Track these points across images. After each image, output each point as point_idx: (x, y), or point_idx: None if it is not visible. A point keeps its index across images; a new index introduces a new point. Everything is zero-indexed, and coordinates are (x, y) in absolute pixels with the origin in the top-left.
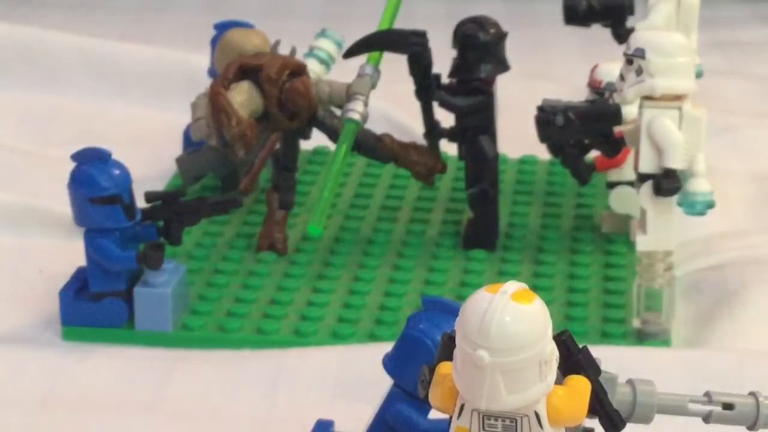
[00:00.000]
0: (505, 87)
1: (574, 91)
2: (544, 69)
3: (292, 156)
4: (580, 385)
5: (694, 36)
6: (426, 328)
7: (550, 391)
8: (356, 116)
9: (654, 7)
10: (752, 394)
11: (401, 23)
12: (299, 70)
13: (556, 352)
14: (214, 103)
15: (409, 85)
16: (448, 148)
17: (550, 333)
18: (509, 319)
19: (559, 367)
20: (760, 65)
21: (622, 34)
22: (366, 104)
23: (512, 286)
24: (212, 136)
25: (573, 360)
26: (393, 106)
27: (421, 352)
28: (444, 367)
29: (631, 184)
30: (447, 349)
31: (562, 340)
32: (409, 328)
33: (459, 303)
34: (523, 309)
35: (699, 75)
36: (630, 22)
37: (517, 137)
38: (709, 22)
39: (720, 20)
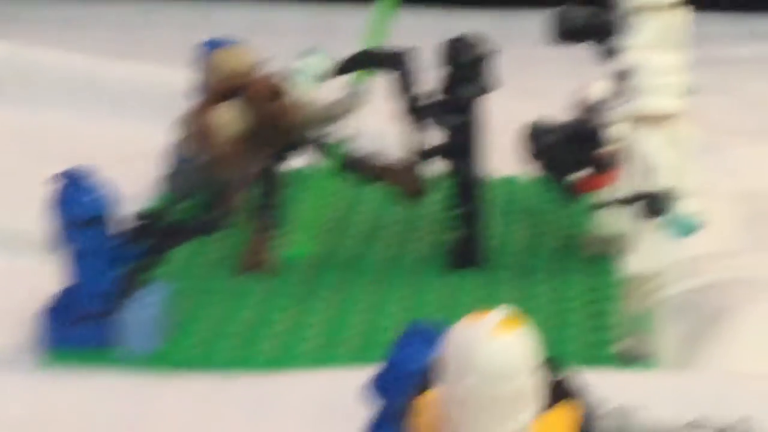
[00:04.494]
0: (493, 104)
1: (563, 109)
2: (533, 86)
3: (278, 175)
4: (563, 417)
5: (683, 54)
6: (411, 353)
7: (535, 422)
8: (342, 135)
9: (643, 24)
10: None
11: (390, 39)
12: (285, 90)
13: (542, 383)
14: (200, 123)
15: (396, 104)
16: (435, 167)
17: (535, 364)
18: (492, 350)
19: (547, 396)
20: (749, 82)
21: (611, 52)
22: (353, 123)
23: (496, 315)
24: (199, 154)
25: (560, 389)
26: (381, 124)
27: (405, 378)
28: (428, 397)
29: (619, 204)
30: (431, 377)
31: (549, 366)
32: (394, 353)
33: (444, 328)
34: (507, 340)
35: (690, 93)
36: (619, 40)
37: (505, 155)
38: (697, 38)
39: (708, 36)
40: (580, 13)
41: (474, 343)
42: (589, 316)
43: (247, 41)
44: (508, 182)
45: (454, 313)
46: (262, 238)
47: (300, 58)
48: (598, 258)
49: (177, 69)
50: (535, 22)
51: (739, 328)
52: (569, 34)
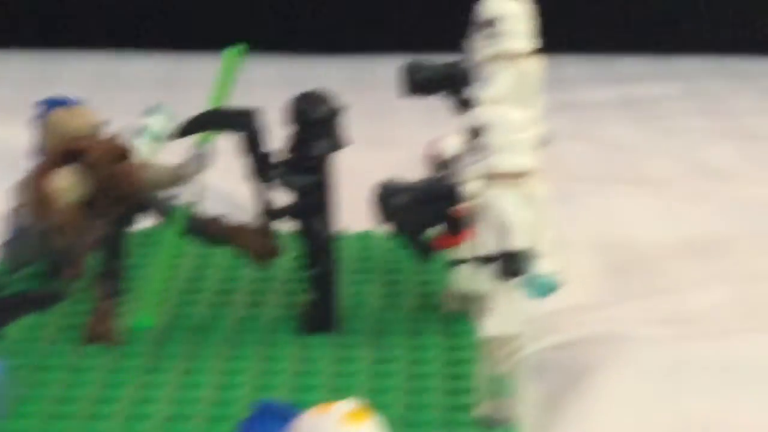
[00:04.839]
0: (345, 155)
1: (416, 160)
2: (387, 136)
3: (120, 242)
4: None
5: (537, 103)
6: None
7: None
8: (187, 200)
9: (495, 75)
10: None
11: (240, 90)
12: (125, 153)
13: None
14: (36, 190)
15: (244, 164)
16: (286, 228)
17: None
18: None
19: None
20: (603, 127)
21: (462, 105)
22: (197, 186)
23: (344, 406)
24: (38, 221)
25: None
26: (229, 183)
27: None
28: None
29: (473, 261)
30: None
31: None
32: None
33: (295, 407)
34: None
35: (543, 144)
36: (473, 91)
37: (357, 210)
38: (552, 82)
39: (563, 81)
40: (428, 66)
41: None
42: (447, 379)
43: (89, 98)
44: (363, 238)
45: (308, 383)
46: (106, 306)
47: (143, 116)
48: (457, 316)
49: (16, 127)
50: (391, 69)
51: (599, 389)
52: (418, 87)
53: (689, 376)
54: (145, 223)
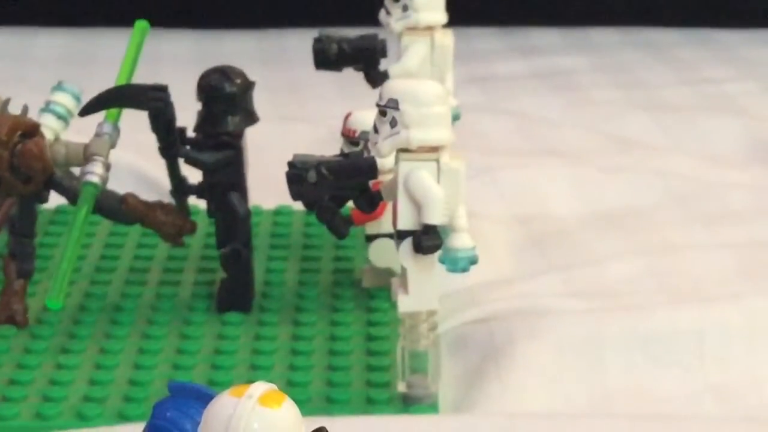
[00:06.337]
0: (258, 130)
1: (329, 134)
2: (299, 110)
3: (29, 221)
4: None
5: (450, 76)
6: (174, 416)
7: None
8: (95, 179)
9: (407, 48)
10: None
11: (149, 66)
12: (32, 131)
13: None
14: None
15: (154, 141)
16: (199, 205)
17: None
18: (257, 426)
19: None
20: (517, 100)
21: (375, 78)
22: (105, 165)
23: (259, 388)
24: None
25: None
26: (140, 158)
27: None
28: None
29: (390, 236)
30: None
31: None
32: (155, 417)
33: (209, 389)
34: (272, 414)
35: (456, 118)
36: (383, 63)
37: (271, 185)
38: (464, 55)
39: (476, 53)
40: (340, 39)
41: (235, 418)
42: (366, 356)
43: None
44: (279, 213)
45: (225, 362)
46: (14, 287)
47: (49, 94)
48: (375, 292)
49: None
50: (302, 43)
51: (517, 363)
52: (330, 60)
53: (608, 348)
54: (53, 202)
